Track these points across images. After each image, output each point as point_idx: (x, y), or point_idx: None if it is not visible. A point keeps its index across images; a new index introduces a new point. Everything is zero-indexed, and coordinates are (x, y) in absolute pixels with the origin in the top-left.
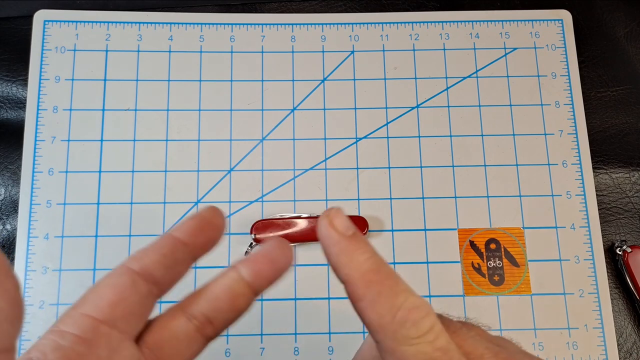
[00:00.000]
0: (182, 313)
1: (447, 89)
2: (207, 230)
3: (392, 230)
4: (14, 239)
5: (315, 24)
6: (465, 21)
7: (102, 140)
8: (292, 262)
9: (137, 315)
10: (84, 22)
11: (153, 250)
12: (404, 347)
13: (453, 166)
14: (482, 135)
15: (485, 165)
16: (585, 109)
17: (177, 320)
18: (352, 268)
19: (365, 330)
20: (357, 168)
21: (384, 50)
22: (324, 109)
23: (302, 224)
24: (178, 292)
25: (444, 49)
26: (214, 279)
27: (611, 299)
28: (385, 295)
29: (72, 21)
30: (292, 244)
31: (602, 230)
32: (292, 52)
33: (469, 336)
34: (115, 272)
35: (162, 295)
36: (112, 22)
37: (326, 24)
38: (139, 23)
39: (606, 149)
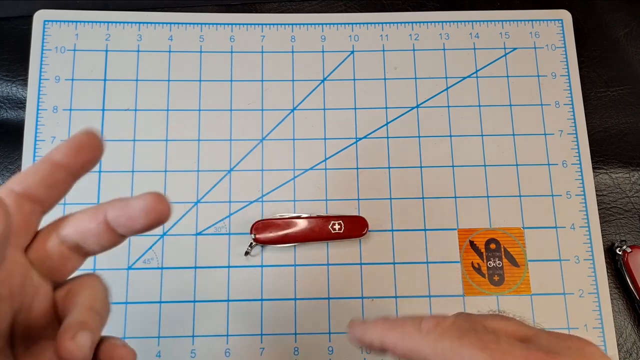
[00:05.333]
0: (56, 235)
1: (447, 89)
2: (84, 152)
3: (392, 230)
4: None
5: (315, 24)
6: (465, 21)
7: None
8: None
9: (23, 231)
10: (84, 22)
11: (34, 172)
12: None
13: (453, 166)
14: (482, 135)
15: (485, 165)
16: (585, 109)
17: (51, 241)
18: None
19: None
20: (357, 168)
21: (384, 50)
22: (324, 109)
23: (302, 224)
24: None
25: (444, 49)
26: (85, 209)
27: (611, 299)
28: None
29: (72, 21)
30: (292, 244)
31: (602, 230)
32: (292, 52)
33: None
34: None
35: (48, 210)
36: (112, 22)
37: (326, 24)
38: (139, 23)
39: (606, 149)
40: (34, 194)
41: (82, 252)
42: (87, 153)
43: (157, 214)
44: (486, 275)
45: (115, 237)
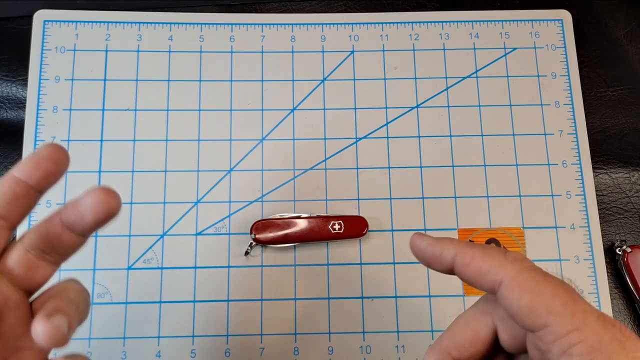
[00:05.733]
0: (21, 245)
1: (447, 89)
2: (43, 166)
3: (392, 230)
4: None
5: (315, 24)
6: (465, 21)
7: (102, 140)
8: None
9: None
10: (84, 22)
11: None
12: None
13: (453, 166)
14: (482, 135)
15: (485, 165)
16: (585, 109)
17: (16, 251)
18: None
19: (367, 329)
20: (357, 168)
21: (384, 50)
22: (324, 109)
23: (302, 224)
24: (181, 289)
25: (444, 49)
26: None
27: (611, 299)
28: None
29: (72, 21)
30: (292, 244)
31: (602, 230)
32: (292, 52)
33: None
34: None
35: (16, 225)
36: (112, 22)
37: (326, 24)
38: (139, 23)
39: (606, 149)
40: None
41: (49, 259)
42: (46, 167)
43: (105, 208)
44: None
45: (74, 238)
